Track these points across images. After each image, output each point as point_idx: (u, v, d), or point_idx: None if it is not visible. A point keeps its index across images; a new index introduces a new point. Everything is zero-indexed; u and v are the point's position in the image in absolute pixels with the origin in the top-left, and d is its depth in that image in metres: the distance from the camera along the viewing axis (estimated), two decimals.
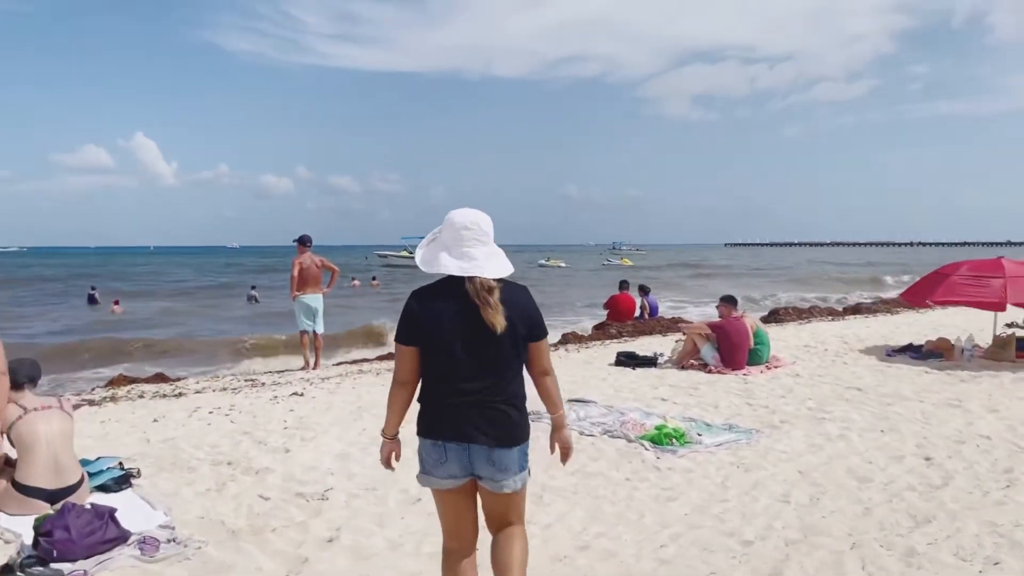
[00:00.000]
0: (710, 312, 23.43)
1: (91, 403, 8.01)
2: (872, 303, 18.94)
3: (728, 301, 9.93)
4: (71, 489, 4.48)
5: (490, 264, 2.83)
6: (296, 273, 10.38)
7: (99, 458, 5.18)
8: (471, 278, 2.77)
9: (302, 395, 8.20)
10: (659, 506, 4.64)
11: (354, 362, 11.58)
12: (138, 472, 5.16)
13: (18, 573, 3.69)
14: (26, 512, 4.26)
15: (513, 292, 2.86)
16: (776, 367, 9.48)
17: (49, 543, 3.79)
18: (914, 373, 9.06)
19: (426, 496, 4.73)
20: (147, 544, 3.99)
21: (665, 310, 17.89)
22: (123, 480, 4.93)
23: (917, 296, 10.72)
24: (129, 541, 4.02)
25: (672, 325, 14.44)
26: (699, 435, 6.15)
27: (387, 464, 3.03)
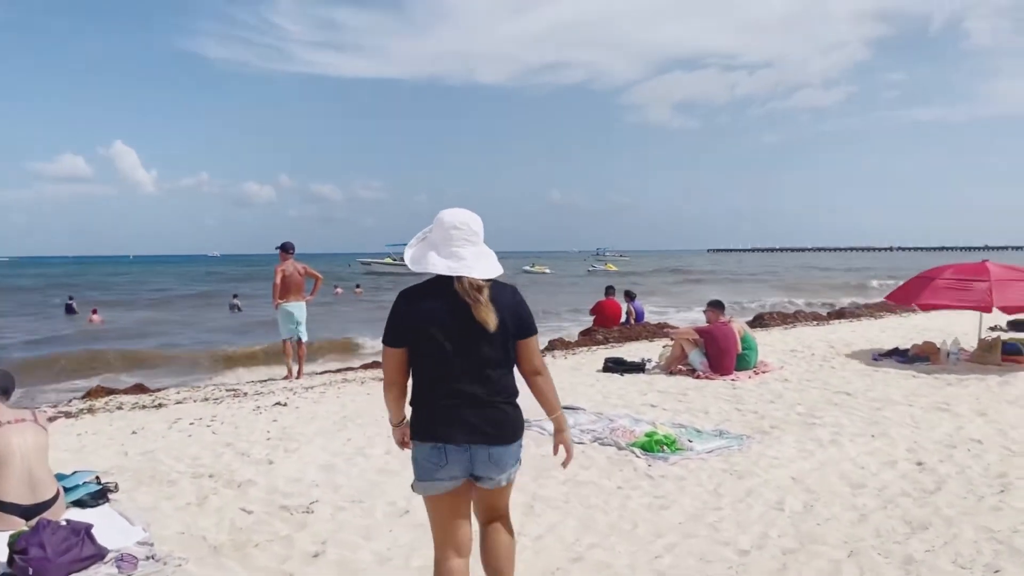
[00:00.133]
0: (693, 317, 23.52)
1: (68, 415, 7.82)
2: (856, 308, 19.00)
3: (715, 306, 9.89)
4: (46, 505, 4.33)
5: (479, 264, 2.80)
6: (279, 281, 10.22)
7: (75, 472, 5.01)
8: (459, 278, 2.75)
9: (285, 405, 8.05)
10: (652, 515, 4.54)
11: (338, 371, 11.42)
12: (115, 486, 5.00)
13: None
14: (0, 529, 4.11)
15: (501, 291, 2.84)
16: (764, 372, 9.44)
17: (24, 561, 3.65)
18: (901, 377, 9.05)
19: (414, 508, 4.63)
20: (125, 561, 3.85)
21: (649, 316, 17.87)
22: (100, 495, 4.77)
23: (903, 299, 10.73)
24: (106, 559, 3.88)
25: (658, 330, 14.39)
26: (690, 442, 6.07)
27: (404, 446, 3.03)
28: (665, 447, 5.85)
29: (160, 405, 8.34)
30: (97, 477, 5.03)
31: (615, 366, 9.85)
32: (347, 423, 7.05)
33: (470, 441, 2.77)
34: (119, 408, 8.22)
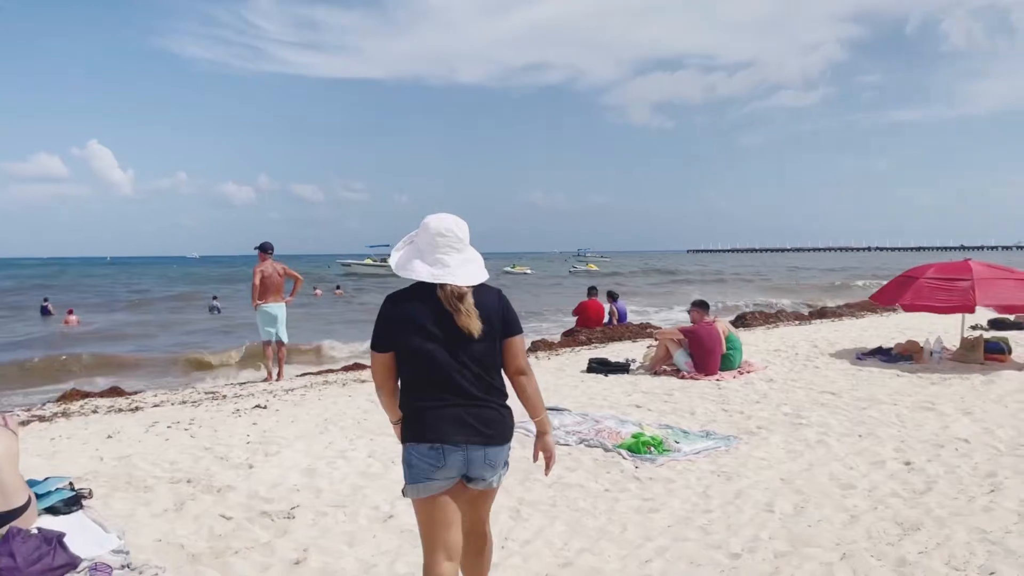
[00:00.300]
0: (675, 317, 23.55)
1: (41, 419, 7.62)
2: (837, 307, 19.09)
3: (700, 306, 9.85)
4: (17, 512, 4.16)
5: (462, 271, 2.82)
6: (257, 282, 10.08)
7: (48, 478, 4.84)
8: (442, 285, 2.77)
9: (265, 407, 7.90)
10: (642, 518, 4.47)
11: (319, 372, 11.27)
12: (90, 493, 4.84)
13: None
14: None
15: (487, 295, 2.87)
16: (749, 372, 9.41)
17: None
18: (886, 376, 9.05)
19: (398, 512, 4.53)
20: (99, 571, 3.71)
21: (632, 316, 17.87)
22: (73, 501, 4.60)
23: (886, 299, 10.75)
24: (79, 568, 3.74)
25: (641, 331, 14.37)
26: (677, 443, 6.01)
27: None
28: (652, 448, 5.78)
29: (137, 408, 8.16)
30: (71, 483, 4.87)
31: (599, 367, 9.78)
32: (328, 426, 6.92)
33: (466, 441, 2.76)
34: (94, 411, 8.03)
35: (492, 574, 3.52)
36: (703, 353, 9.19)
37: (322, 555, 3.99)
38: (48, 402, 9.06)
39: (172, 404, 8.39)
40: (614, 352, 11.56)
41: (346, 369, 11.53)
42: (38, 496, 4.51)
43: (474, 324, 2.74)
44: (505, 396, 2.88)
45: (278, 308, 10.22)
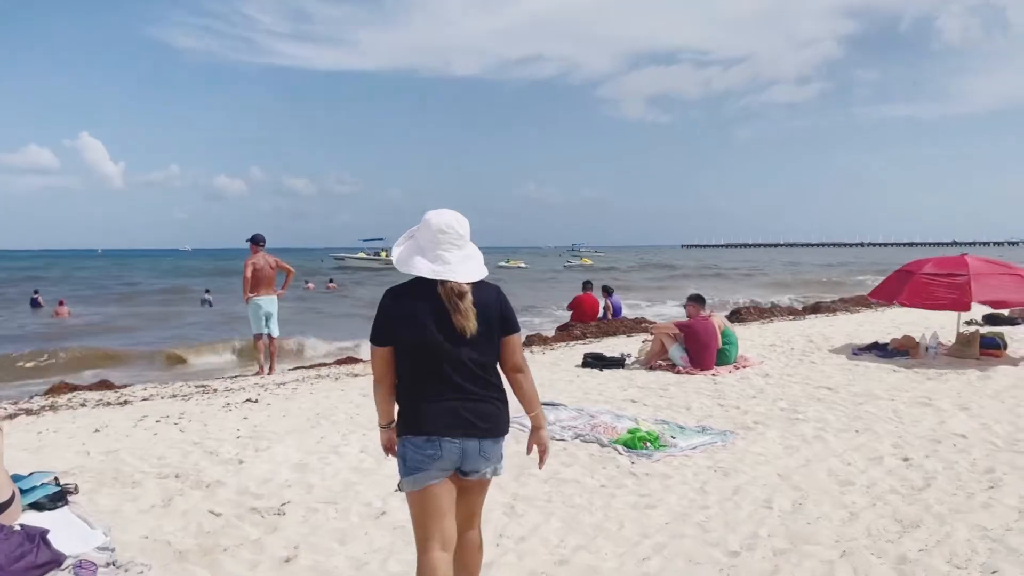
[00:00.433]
0: (667, 312, 23.51)
1: (28, 412, 7.51)
2: (832, 302, 19.07)
3: (696, 300, 9.78)
4: (0, 508, 4.08)
5: (462, 268, 2.84)
6: (249, 274, 9.97)
7: (32, 473, 4.74)
8: (443, 282, 2.79)
9: (256, 401, 7.81)
10: (638, 514, 4.40)
11: (312, 366, 11.17)
12: (76, 488, 4.74)
13: None
14: None
15: (487, 291, 2.90)
16: (745, 367, 9.35)
17: None
18: (882, 371, 9.01)
19: (391, 509, 4.44)
20: (83, 568, 3.62)
21: (625, 311, 17.80)
22: (59, 497, 4.50)
23: (885, 295, 10.71)
24: (63, 566, 3.65)
25: (636, 325, 14.31)
26: (673, 438, 5.94)
27: (389, 450, 3.02)
28: (648, 444, 5.72)
29: (126, 402, 8.05)
30: (56, 478, 4.76)
31: (594, 361, 9.71)
32: (320, 420, 6.83)
33: (463, 435, 2.79)
34: (83, 405, 7.92)
35: (486, 573, 3.46)
36: (699, 348, 9.13)
37: (313, 553, 3.91)
38: (35, 395, 8.95)
39: (162, 398, 8.29)
40: (609, 347, 11.49)
41: (339, 363, 11.44)
42: (23, 491, 4.41)
43: (470, 324, 2.77)
44: (502, 391, 2.91)
45: (270, 301, 10.12)
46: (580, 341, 12.77)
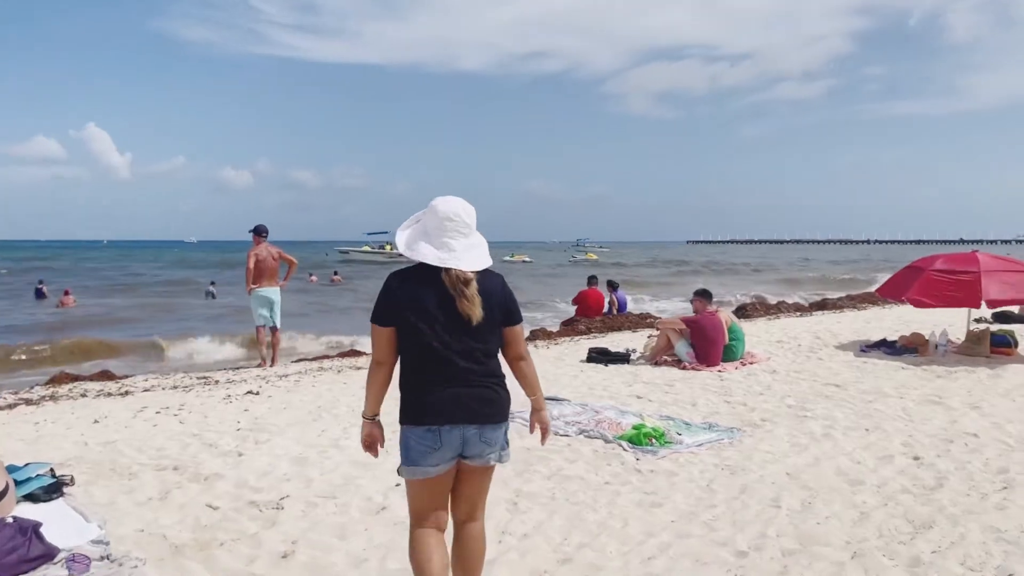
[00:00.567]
0: (671, 308, 23.37)
1: (28, 402, 7.46)
2: (839, 298, 18.94)
3: (702, 295, 9.67)
4: None
5: (468, 256, 2.84)
6: (251, 265, 9.88)
7: (28, 464, 4.68)
8: (448, 269, 2.78)
9: (258, 393, 7.73)
10: (644, 512, 4.30)
11: (315, 359, 11.10)
12: (71, 479, 4.67)
13: None
14: None
15: (491, 280, 2.89)
16: (751, 363, 9.25)
17: None
18: (891, 369, 8.89)
19: (391, 504, 4.36)
20: (76, 562, 3.55)
21: (631, 306, 17.70)
22: (54, 488, 4.43)
23: (893, 292, 10.58)
24: (56, 559, 3.58)
25: (641, 321, 14.20)
26: (679, 435, 5.85)
27: (369, 448, 3.02)
28: (654, 440, 5.62)
29: (126, 392, 7.99)
30: (51, 469, 4.70)
31: (599, 356, 9.61)
32: (322, 413, 6.75)
33: (463, 421, 2.79)
34: (83, 395, 7.86)
35: (488, 570, 3.37)
36: (705, 343, 9.03)
37: (311, 548, 3.83)
38: (36, 385, 8.88)
39: (163, 389, 8.22)
40: (614, 342, 11.39)
41: (341, 356, 11.37)
42: (17, 483, 4.34)
43: (475, 311, 2.76)
44: (503, 378, 2.91)
45: (273, 292, 10.03)
46: (585, 336, 12.68)
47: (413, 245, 2.87)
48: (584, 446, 5.62)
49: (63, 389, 8.26)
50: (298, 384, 8.32)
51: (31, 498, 4.32)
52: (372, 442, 3.00)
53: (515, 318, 2.94)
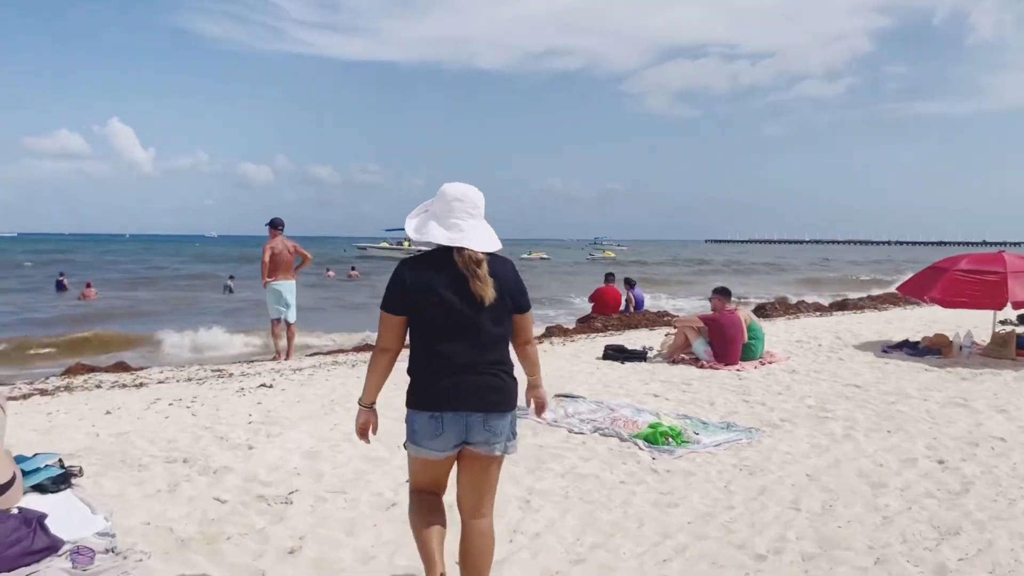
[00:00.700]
0: (689, 305, 23.18)
1: (43, 392, 7.46)
2: (859, 299, 18.68)
3: (721, 293, 9.53)
4: (1, 490, 3.96)
5: (476, 235, 2.84)
6: (267, 258, 9.86)
7: (36, 454, 4.64)
8: (460, 250, 2.78)
9: (271, 387, 7.69)
10: (659, 513, 4.20)
11: (329, 352, 11.08)
12: (80, 470, 4.62)
13: None
14: None
15: (501, 265, 2.89)
16: (771, 362, 9.09)
17: None
18: (913, 370, 8.71)
19: (401, 501, 4.28)
20: (80, 555, 3.48)
21: (649, 304, 17.54)
22: (62, 479, 4.37)
23: (916, 290, 10.38)
24: (60, 551, 3.52)
25: (658, 319, 14.05)
26: (696, 434, 5.73)
27: (363, 435, 3.01)
28: (670, 439, 5.51)
29: (141, 384, 7.98)
30: (60, 460, 4.65)
31: (616, 354, 9.50)
32: (335, 407, 6.70)
33: (467, 408, 2.78)
34: (98, 386, 7.86)
35: (498, 570, 3.29)
36: (724, 342, 8.89)
37: (319, 544, 3.76)
38: (52, 375, 8.90)
39: (177, 381, 8.21)
40: (631, 339, 11.26)
41: (356, 349, 11.34)
42: (25, 473, 4.29)
43: (488, 292, 2.75)
44: (511, 366, 2.91)
45: (288, 286, 10.00)
46: (601, 334, 12.56)
47: (422, 228, 2.88)
48: (599, 444, 5.52)
49: (78, 380, 8.27)
50: (312, 378, 8.28)
51: (39, 489, 4.27)
52: (367, 428, 3.00)
53: (525, 305, 2.95)
